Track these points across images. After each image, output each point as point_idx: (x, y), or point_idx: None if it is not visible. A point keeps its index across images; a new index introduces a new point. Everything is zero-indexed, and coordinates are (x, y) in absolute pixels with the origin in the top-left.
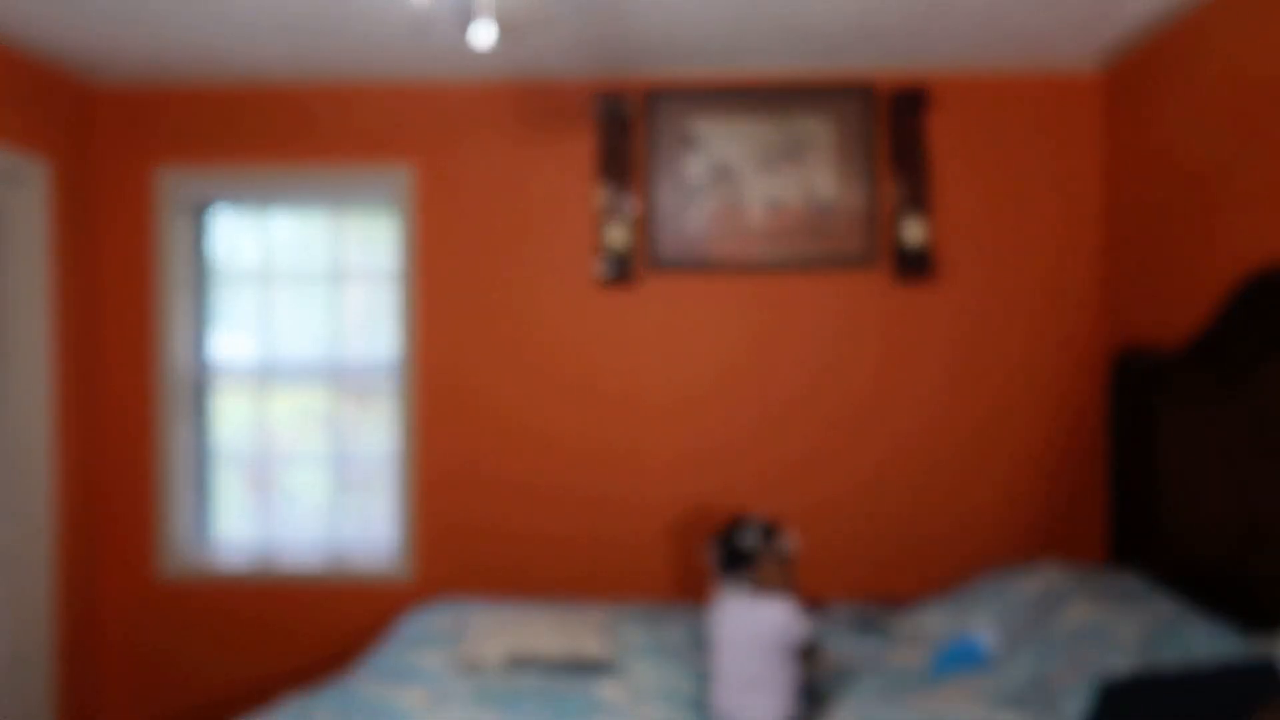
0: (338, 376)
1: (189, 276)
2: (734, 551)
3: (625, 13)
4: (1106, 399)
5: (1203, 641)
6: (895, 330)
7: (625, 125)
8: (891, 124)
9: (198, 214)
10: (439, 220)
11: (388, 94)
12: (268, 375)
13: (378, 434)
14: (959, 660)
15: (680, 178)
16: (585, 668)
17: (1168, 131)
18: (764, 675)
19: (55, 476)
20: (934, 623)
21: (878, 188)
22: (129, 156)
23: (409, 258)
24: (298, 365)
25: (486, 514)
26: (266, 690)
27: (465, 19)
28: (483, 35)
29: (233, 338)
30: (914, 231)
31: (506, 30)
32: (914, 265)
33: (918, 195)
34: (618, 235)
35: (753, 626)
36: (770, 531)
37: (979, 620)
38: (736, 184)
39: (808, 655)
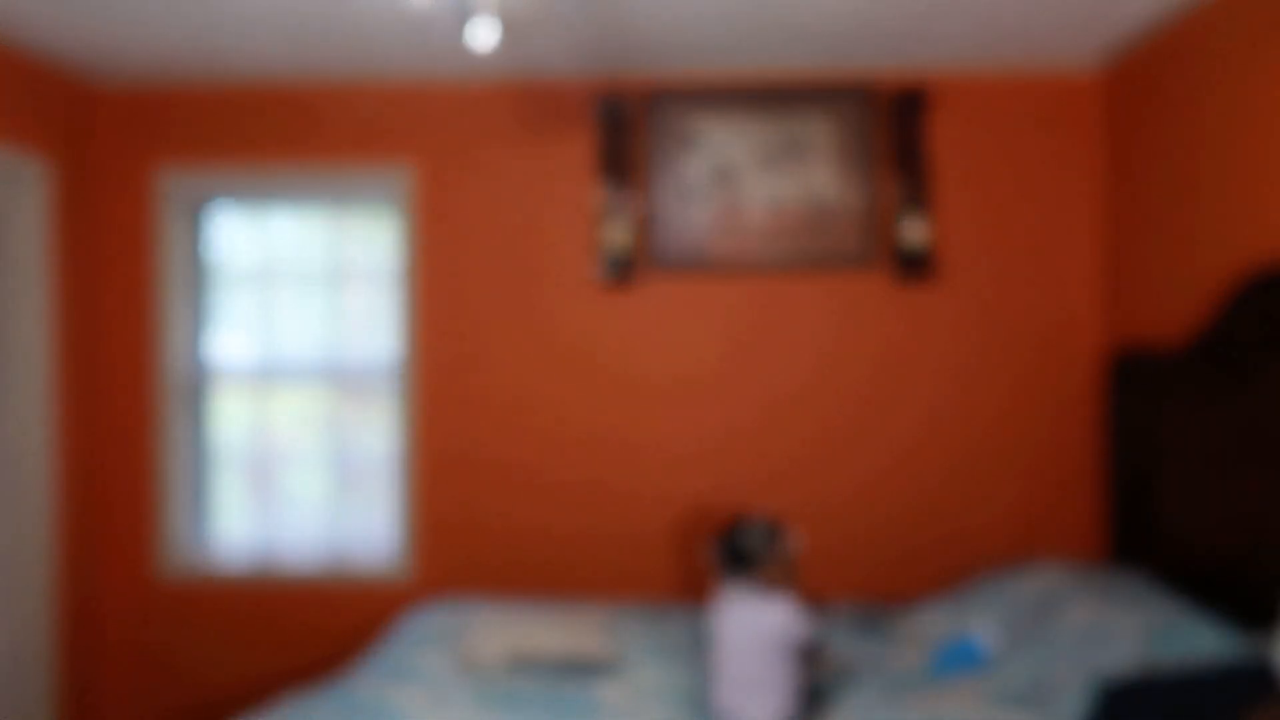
0: (338, 376)
1: (189, 276)
2: (736, 551)
3: (625, 13)
4: (1106, 399)
5: (1203, 641)
6: (895, 330)
7: (625, 125)
8: (892, 124)
9: (198, 214)
10: (439, 220)
11: (388, 94)
12: (267, 375)
13: (377, 434)
14: (959, 660)
15: (680, 178)
16: (586, 668)
17: (1168, 131)
18: (765, 675)
19: (54, 476)
20: (934, 622)
21: (878, 187)
22: (129, 156)
23: (409, 257)
24: (298, 365)
25: (487, 514)
26: (266, 690)
27: (466, 20)
28: (483, 36)
29: (232, 338)
30: (914, 231)
31: (507, 30)
32: (914, 265)
33: (918, 195)
34: (618, 235)
35: (754, 626)
36: (772, 531)
37: (979, 620)
38: (737, 184)
39: (812, 657)
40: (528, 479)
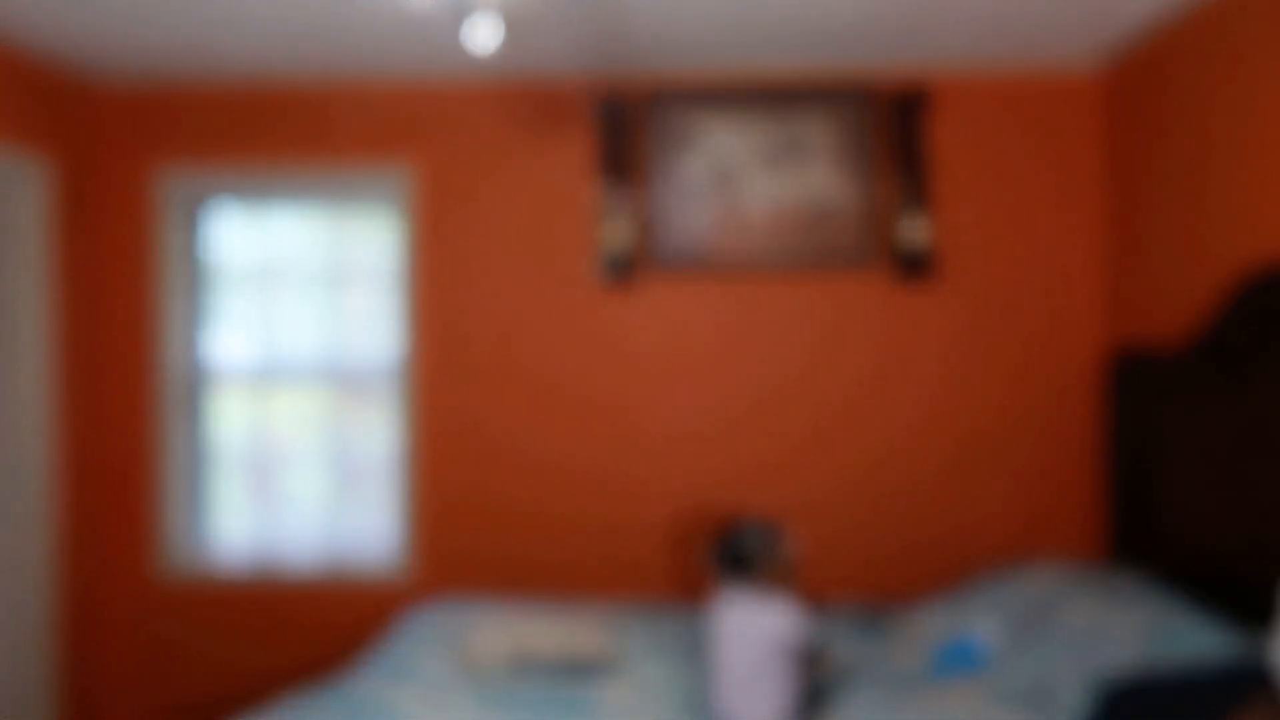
0: (337, 376)
1: (189, 276)
2: (735, 554)
3: (625, 12)
4: (1107, 398)
5: (1203, 641)
6: (894, 330)
7: (625, 125)
8: (892, 124)
9: (198, 213)
10: (439, 220)
11: (388, 94)
12: (267, 375)
13: (377, 434)
14: (959, 660)
15: (680, 178)
16: (586, 668)
17: (1168, 131)
18: (765, 678)
19: (54, 476)
20: (934, 622)
21: (878, 187)
22: (129, 156)
23: (409, 257)
24: (297, 365)
25: (487, 513)
26: (266, 690)
27: (466, 22)
28: (484, 38)
29: (232, 337)
30: (913, 231)
31: (507, 30)
32: (913, 265)
33: (917, 195)
34: (618, 234)
35: (754, 629)
36: (770, 534)
37: (979, 620)
38: (736, 184)
39: (811, 659)
40: (528, 479)
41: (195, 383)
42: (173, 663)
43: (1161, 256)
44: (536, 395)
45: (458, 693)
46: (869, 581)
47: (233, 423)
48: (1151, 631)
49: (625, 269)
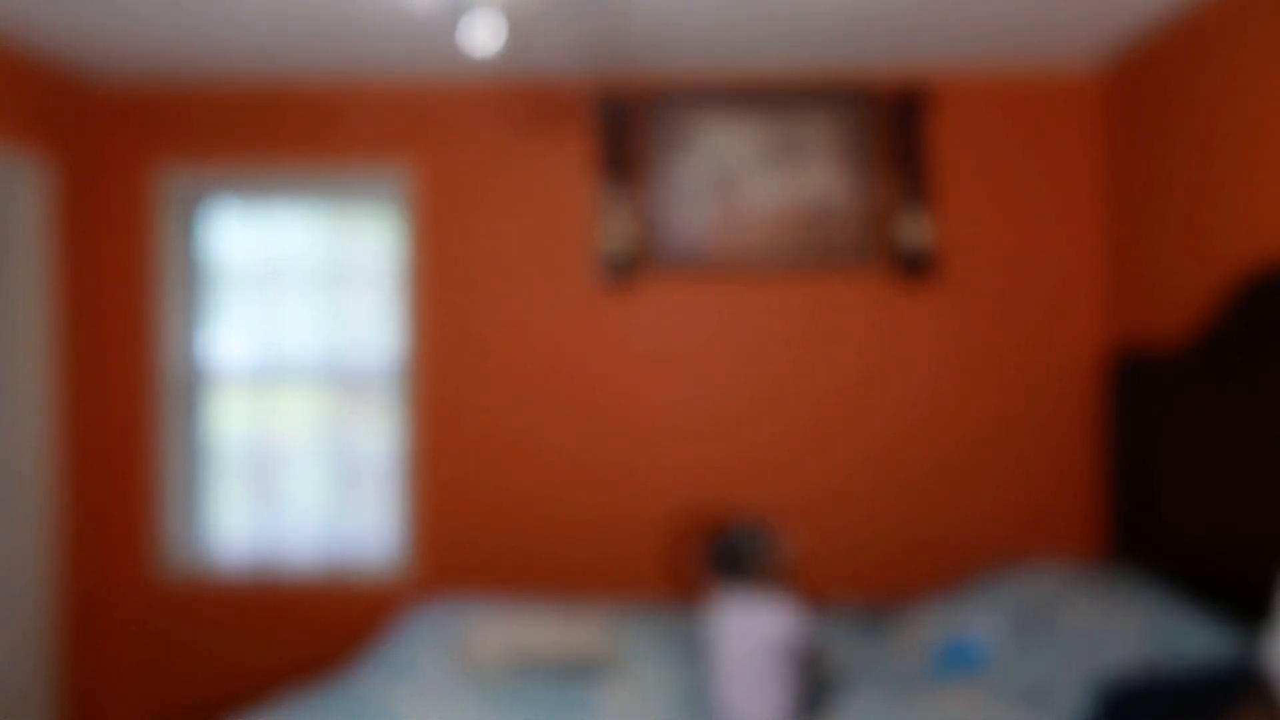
0: (338, 376)
1: (189, 276)
2: (731, 555)
3: (625, 12)
4: (1107, 398)
5: (1203, 640)
6: (894, 330)
7: (625, 125)
8: (892, 124)
9: (198, 213)
10: (439, 220)
11: (388, 94)
12: (267, 375)
13: (377, 433)
14: (959, 660)
15: (680, 178)
16: (585, 669)
17: (1169, 132)
18: (764, 680)
19: (54, 475)
20: (933, 623)
21: (878, 187)
22: (129, 156)
23: (409, 257)
24: (297, 365)
25: (487, 512)
26: (266, 691)
27: (467, 24)
28: (485, 41)
29: (232, 337)
30: (914, 231)
31: (507, 31)
32: (914, 265)
33: (918, 195)
34: (617, 234)
35: (752, 630)
36: (767, 534)
37: (979, 620)
38: (736, 184)
39: (810, 661)
40: (529, 477)
41: (195, 382)
42: (173, 663)
43: (1162, 257)
44: (537, 394)
45: (457, 693)
46: (869, 580)
47: (233, 422)
48: (1151, 632)
49: (625, 268)
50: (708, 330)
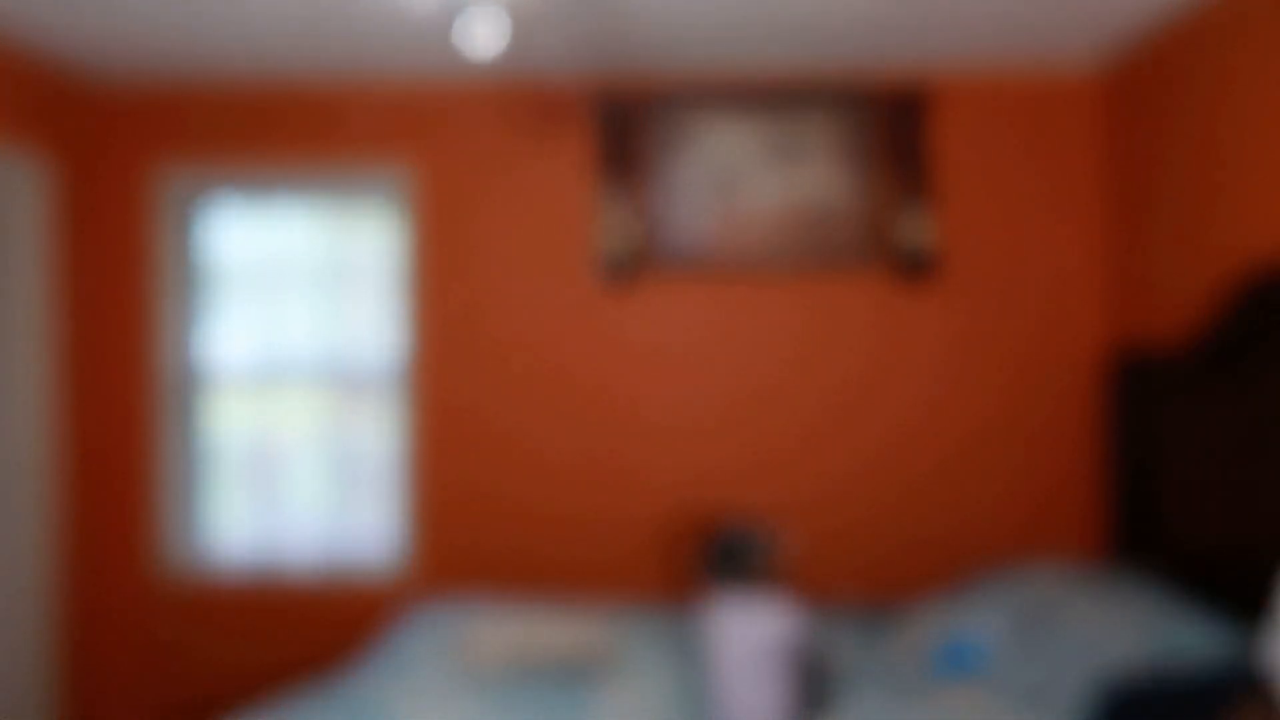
0: (338, 376)
1: (189, 276)
2: (731, 555)
3: (625, 12)
4: (1108, 398)
5: (1204, 640)
6: (894, 330)
7: (625, 125)
8: (892, 124)
9: (198, 213)
10: (440, 220)
11: (388, 93)
12: (267, 375)
13: (377, 433)
14: (958, 661)
15: (681, 177)
16: (584, 669)
17: (1169, 132)
18: (763, 679)
19: (54, 476)
20: (934, 623)
21: (878, 188)
22: (129, 156)
23: (410, 257)
24: (298, 365)
25: (487, 512)
26: (265, 691)
27: (469, 25)
28: (485, 43)
29: (232, 337)
30: (914, 231)
31: (507, 30)
32: (914, 265)
33: (918, 195)
34: (617, 234)
35: (751, 632)
36: (767, 535)
37: (979, 620)
38: (737, 184)
39: (809, 662)
40: (530, 477)
41: (195, 382)
42: (173, 663)
43: (1163, 257)
44: (537, 393)
45: (456, 693)
46: (870, 579)
47: (233, 422)
48: (1151, 632)
49: (625, 268)
50: (708, 330)
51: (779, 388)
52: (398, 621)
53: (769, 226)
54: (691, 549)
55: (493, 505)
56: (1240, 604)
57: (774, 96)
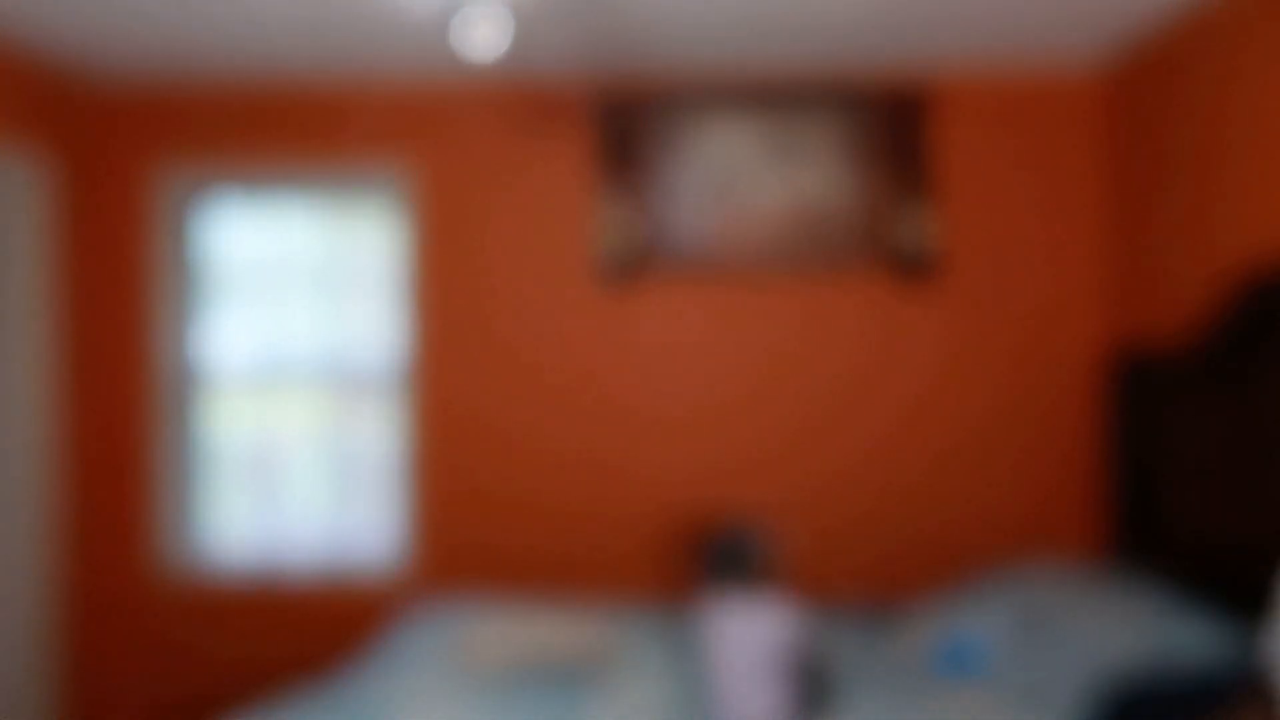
0: (338, 376)
1: (189, 276)
2: (730, 556)
3: (625, 13)
4: (1109, 397)
5: (1204, 640)
6: (895, 330)
7: (625, 125)
8: (893, 125)
9: (198, 214)
10: (440, 220)
11: (388, 93)
12: (267, 375)
13: (377, 434)
14: (959, 661)
15: (680, 178)
16: (584, 670)
17: (1171, 133)
18: (763, 681)
19: (54, 475)
20: (934, 623)
21: (878, 188)
22: (129, 156)
23: (410, 258)
24: (298, 365)
25: (488, 512)
26: (265, 690)
27: (471, 26)
28: (489, 44)
29: (233, 337)
30: (914, 231)
31: (510, 31)
32: (914, 265)
33: (918, 195)
34: (617, 235)
35: (751, 634)
36: (766, 535)
37: (979, 620)
38: (737, 184)
39: (812, 667)
40: (530, 476)
41: (195, 382)
42: (173, 663)
43: (1165, 257)
44: (538, 392)
45: (455, 693)
46: (871, 577)
47: (233, 422)
48: (1152, 632)
49: (625, 268)
50: (709, 330)
51: (779, 387)
52: (397, 622)
53: (769, 226)
54: (690, 548)
55: (493, 504)
56: (1242, 604)
57: (774, 96)
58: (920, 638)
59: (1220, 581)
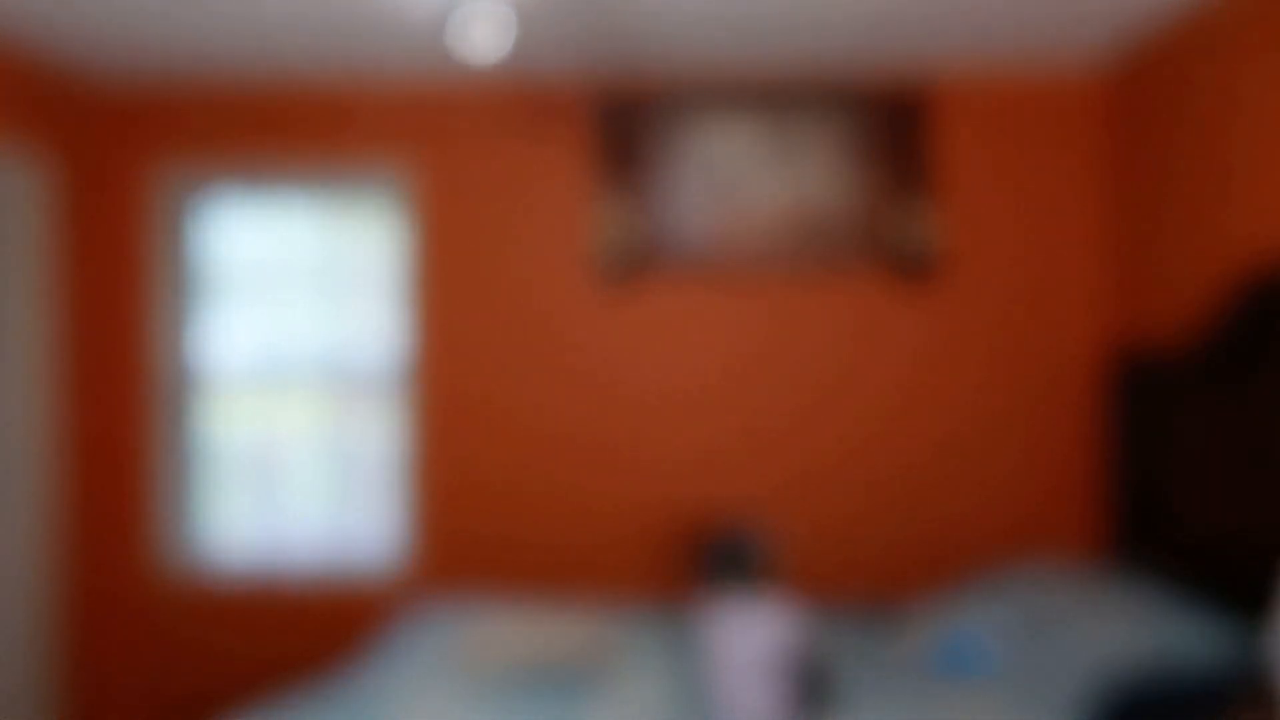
0: (339, 376)
1: (189, 277)
2: (729, 558)
3: (624, 12)
4: (1112, 398)
5: (1205, 639)
6: (895, 330)
7: (625, 126)
8: (893, 125)
9: (198, 214)
10: (440, 221)
11: (389, 94)
12: (267, 376)
13: (377, 435)
14: (959, 661)
15: (680, 178)
16: (583, 671)
17: (1174, 133)
18: (764, 683)
19: (54, 475)
20: (934, 623)
21: (879, 188)
22: (128, 156)
23: (410, 258)
24: (298, 365)
25: (487, 513)
26: (265, 690)
27: (473, 27)
28: (490, 46)
29: (233, 338)
30: (915, 232)
31: (512, 33)
32: (915, 266)
33: (919, 196)
34: (617, 235)
35: (751, 637)
36: (766, 536)
37: (980, 620)
38: (737, 185)
39: (812, 668)
40: (528, 477)
41: (195, 382)
42: (173, 663)
43: (1167, 257)
44: (538, 392)
45: (455, 694)
46: (872, 573)
47: (233, 422)
48: (1154, 632)
49: (625, 268)
50: (709, 330)
51: (780, 386)
52: (397, 622)
53: (768, 226)
54: (690, 548)
55: (493, 504)
56: (1243, 603)
57: (774, 97)
58: (921, 638)
59: (1221, 581)
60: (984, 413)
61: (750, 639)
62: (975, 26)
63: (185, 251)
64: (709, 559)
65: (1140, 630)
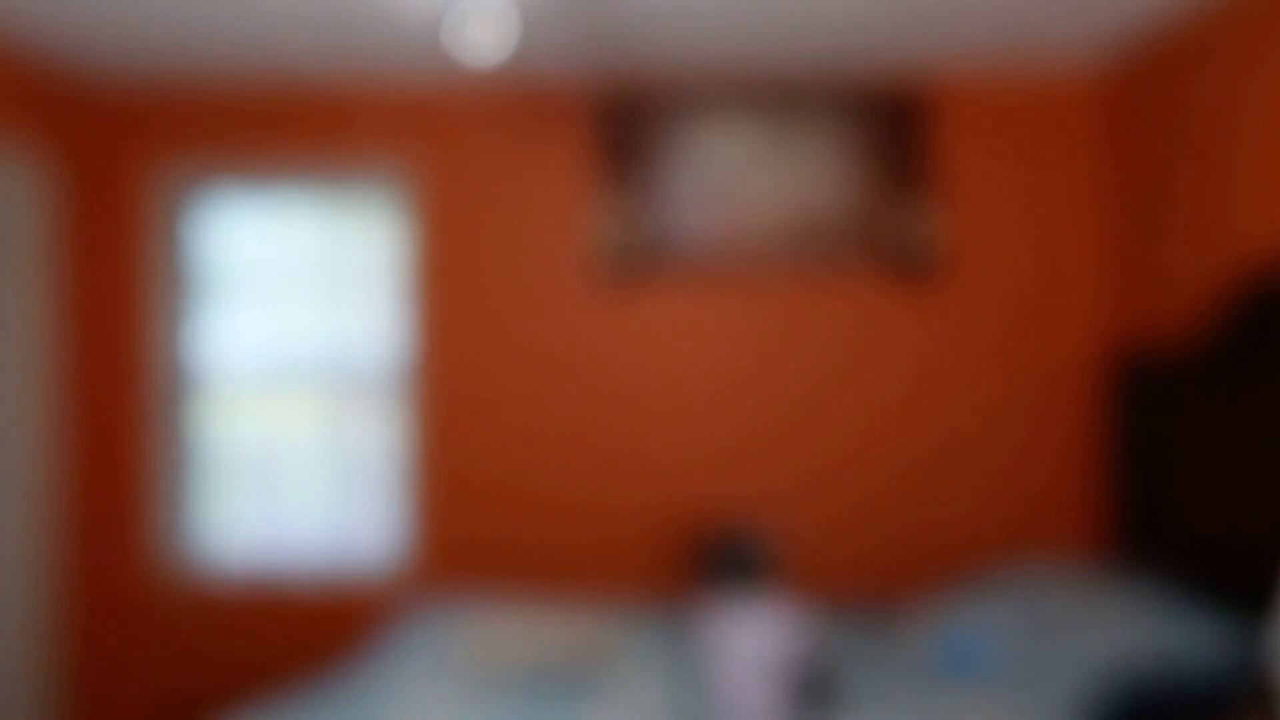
0: (339, 376)
1: (188, 277)
2: (730, 560)
3: (624, 12)
4: (1113, 398)
5: (1206, 640)
6: (896, 330)
7: (625, 126)
8: (893, 125)
9: (198, 214)
10: (440, 221)
11: (390, 94)
12: (268, 375)
13: (377, 435)
14: (961, 660)
15: (680, 178)
16: (584, 672)
17: (1175, 134)
18: (765, 685)
19: (53, 476)
20: (935, 623)
21: (879, 188)
22: (128, 156)
23: (410, 259)
24: (299, 365)
25: (488, 513)
26: (265, 690)
27: (474, 30)
28: (491, 47)
29: (233, 338)
30: (915, 232)
31: (514, 34)
32: (914, 265)
33: (919, 197)
34: (616, 235)
35: (753, 640)
36: (767, 536)
37: (982, 619)
38: (737, 185)
39: (814, 669)
40: (528, 477)
41: (195, 382)
42: (174, 663)
43: (1168, 258)
44: (539, 392)
45: (455, 694)
46: (870, 583)
47: (233, 422)
48: (1156, 632)
49: (625, 268)
50: (710, 329)
51: (780, 386)
52: (397, 622)
53: (768, 227)
54: (691, 548)
55: (494, 503)
56: (1244, 603)
57: (773, 97)
58: (922, 637)
59: (1222, 580)
60: (985, 412)
61: (751, 641)
62: (976, 27)
63: (185, 252)
64: (710, 559)
65: (1141, 630)
